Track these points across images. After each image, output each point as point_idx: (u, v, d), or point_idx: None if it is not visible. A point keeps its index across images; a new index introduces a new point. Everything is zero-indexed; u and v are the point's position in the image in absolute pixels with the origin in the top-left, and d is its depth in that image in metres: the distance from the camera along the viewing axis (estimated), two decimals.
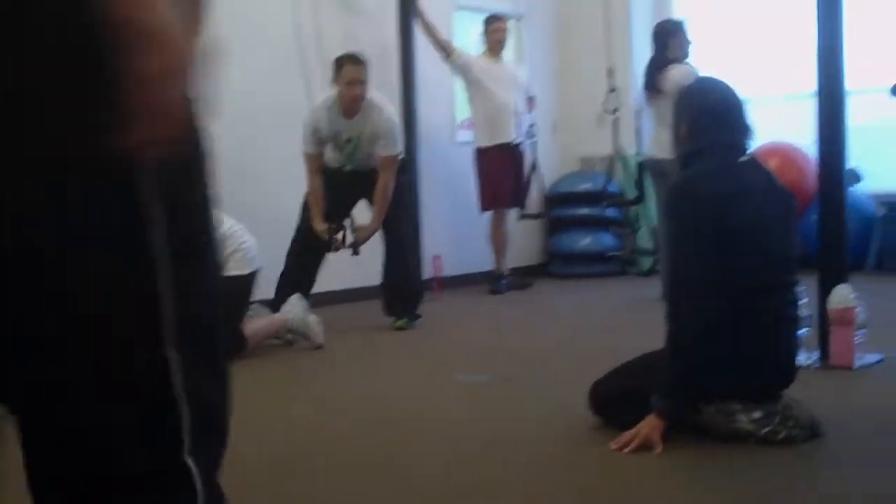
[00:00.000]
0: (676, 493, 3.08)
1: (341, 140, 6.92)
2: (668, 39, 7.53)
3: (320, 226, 6.87)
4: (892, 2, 9.13)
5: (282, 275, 6.97)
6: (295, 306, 6.36)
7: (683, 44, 7.43)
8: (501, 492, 3.16)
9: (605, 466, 3.41)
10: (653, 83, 7.46)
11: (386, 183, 6.98)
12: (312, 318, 6.35)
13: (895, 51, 8.22)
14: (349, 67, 6.75)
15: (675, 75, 7.11)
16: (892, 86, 7.83)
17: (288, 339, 6.38)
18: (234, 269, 5.80)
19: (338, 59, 6.86)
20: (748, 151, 3.73)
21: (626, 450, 3.48)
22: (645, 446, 3.46)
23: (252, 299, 6.18)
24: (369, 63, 6.81)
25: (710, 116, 3.71)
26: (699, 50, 10.51)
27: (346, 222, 7.03)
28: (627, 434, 3.51)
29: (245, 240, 5.90)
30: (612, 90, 6.93)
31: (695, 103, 3.78)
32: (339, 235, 6.94)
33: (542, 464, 3.48)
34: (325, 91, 7.03)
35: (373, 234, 7.07)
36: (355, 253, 7.04)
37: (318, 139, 6.89)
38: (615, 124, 6.92)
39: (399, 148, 7.05)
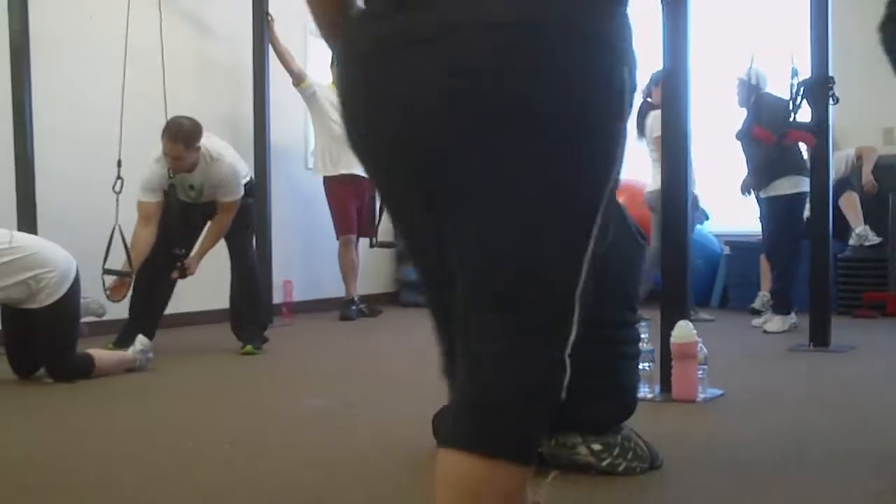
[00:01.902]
0: None
1: (185, 186, 6.91)
2: (653, 87, 8.14)
3: (138, 260, 6.78)
4: (735, 53, 9.36)
5: (131, 301, 6.92)
6: (143, 350, 6.33)
7: None
8: None
9: None
10: (640, 126, 8.58)
11: (224, 224, 7.05)
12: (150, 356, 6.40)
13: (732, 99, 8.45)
14: (165, 143, 6.68)
15: (651, 120, 8.27)
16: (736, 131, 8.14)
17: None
18: (47, 298, 5.77)
19: (165, 124, 6.73)
20: None
21: None
22: None
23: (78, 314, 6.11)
24: (194, 134, 6.69)
25: None
26: None
27: (185, 253, 7.01)
28: None
29: (45, 268, 5.79)
30: None
31: None
32: (177, 267, 6.94)
33: (379, 490, 3.48)
34: (182, 109, 6.98)
35: (198, 262, 7.07)
36: (181, 277, 7.03)
37: (157, 187, 6.84)
38: None
39: (240, 193, 7.03)
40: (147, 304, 6.97)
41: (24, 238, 5.92)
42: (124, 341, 6.66)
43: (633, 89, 1.88)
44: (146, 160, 6.81)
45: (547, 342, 1.96)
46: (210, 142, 6.85)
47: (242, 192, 7.03)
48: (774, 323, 8.09)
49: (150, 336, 6.59)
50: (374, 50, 1.87)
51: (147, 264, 6.83)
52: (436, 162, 1.85)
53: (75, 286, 5.92)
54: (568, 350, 1.98)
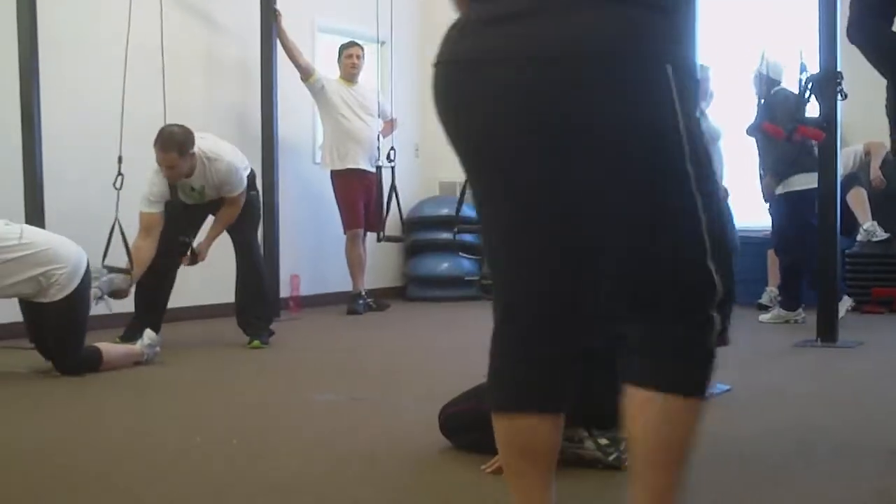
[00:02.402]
0: None
1: (187, 190, 6.93)
2: None
3: (139, 271, 6.78)
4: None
5: (136, 296, 6.96)
6: (150, 344, 6.34)
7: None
8: None
9: (448, 487, 3.43)
10: None
11: (231, 213, 7.06)
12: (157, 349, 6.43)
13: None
14: (158, 153, 6.66)
15: None
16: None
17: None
18: (58, 293, 5.78)
19: (158, 133, 6.71)
20: None
21: (487, 470, 3.51)
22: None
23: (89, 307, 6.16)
24: (186, 142, 6.66)
25: None
26: None
27: (192, 240, 7.03)
28: (499, 455, 3.54)
29: (56, 264, 5.82)
30: None
31: None
32: (186, 255, 6.95)
33: (386, 485, 3.49)
34: (190, 105, 6.99)
35: (208, 248, 7.14)
36: (192, 263, 7.08)
37: (160, 197, 6.84)
38: None
39: (243, 185, 7.02)
40: (152, 299, 6.97)
41: (35, 233, 5.94)
42: (131, 335, 6.68)
43: (694, 89, 2.20)
44: (148, 173, 6.82)
45: (699, 307, 2.25)
46: (205, 143, 6.85)
47: (246, 183, 7.04)
48: (770, 314, 8.17)
49: (155, 330, 6.60)
50: (481, 60, 2.20)
51: (157, 254, 6.83)
52: (559, 170, 2.16)
53: (85, 281, 5.94)
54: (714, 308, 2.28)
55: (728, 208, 5.63)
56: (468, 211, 8.11)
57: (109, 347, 6.17)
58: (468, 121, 2.25)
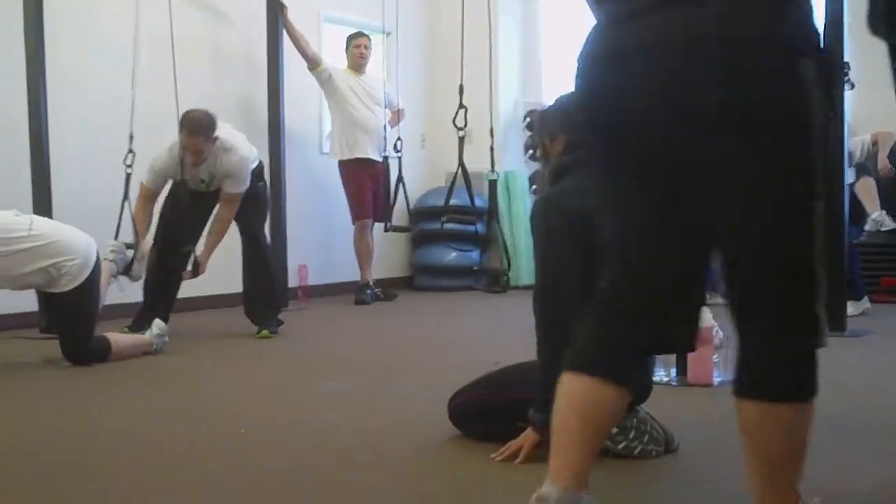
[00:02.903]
0: (525, 501, 3.12)
1: (197, 178, 6.92)
2: None
3: (146, 246, 6.83)
4: None
5: (146, 285, 6.97)
6: (159, 334, 6.36)
7: None
8: (352, 499, 3.17)
9: (458, 476, 3.44)
10: None
11: (225, 218, 7.04)
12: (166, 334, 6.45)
13: None
14: (185, 138, 6.68)
15: None
16: None
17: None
18: (68, 284, 5.80)
19: (182, 117, 6.74)
20: None
21: (497, 458, 3.51)
22: (514, 457, 3.50)
23: (99, 297, 6.18)
24: (211, 126, 6.70)
25: (567, 131, 3.72)
26: (566, 72, 10.68)
27: (194, 248, 7.00)
28: (508, 444, 3.54)
29: (66, 255, 5.83)
30: (461, 107, 6.97)
31: (573, 117, 3.76)
32: (189, 263, 6.93)
33: (395, 473, 3.50)
34: (196, 96, 6.99)
35: (208, 259, 7.04)
36: (194, 276, 7.03)
37: (165, 178, 6.88)
38: (461, 141, 6.98)
39: (245, 186, 6.99)
40: (161, 289, 6.98)
41: (45, 224, 5.94)
42: (139, 326, 6.69)
43: (830, 76, 2.35)
44: (157, 150, 6.85)
45: (812, 303, 2.34)
46: (223, 132, 6.86)
47: (248, 185, 7.01)
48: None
49: (164, 320, 6.61)
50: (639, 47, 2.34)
51: (160, 250, 6.85)
52: (696, 154, 2.31)
53: (95, 272, 5.95)
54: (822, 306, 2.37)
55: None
56: (478, 202, 8.18)
57: (118, 338, 6.18)
58: (609, 110, 2.41)
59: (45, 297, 6.16)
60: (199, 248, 7.01)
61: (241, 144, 6.97)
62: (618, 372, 2.51)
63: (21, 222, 5.77)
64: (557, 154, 3.74)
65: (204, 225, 7.13)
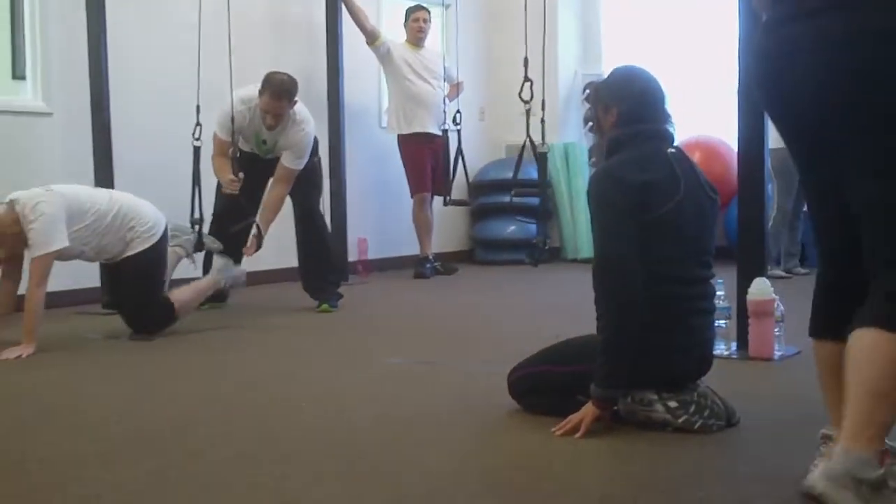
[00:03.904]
0: (587, 477, 3.11)
1: (259, 139, 6.93)
2: None
3: (228, 176, 6.76)
4: None
5: (205, 259, 7.01)
6: (220, 269, 6.43)
7: None
8: (411, 473, 3.17)
9: (518, 451, 3.43)
10: None
11: (280, 194, 7.01)
12: (239, 270, 6.60)
13: None
14: (267, 99, 6.70)
15: None
16: None
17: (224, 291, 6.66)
18: (138, 246, 5.89)
19: (265, 79, 6.75)
20: (674, 142, 3.74)
21: (558, 432, 3.51)
22: (575, 431, 3.50)
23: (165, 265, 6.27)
24: (294, 89, 6.73)
25: (639, 103, 3.70)
26: (625, 43, 10.62)
27: (255, 220, 6.95)
28: (569, 418, 3.54)
29: (140, 220, 5.93)
30: (526, 80, 6.93)
31: (625, 89, 3.75)
32: (254, 233, 6.90)
33: (455, 447, 3.50)
34: (256, 69, 6.99)
35: (262, 238, 6.96)
36: (257, 249, 6.99)
37: (235, 130, 6.82)
38: (528, 114, 6.95)
39: (302, 164, 6.97)
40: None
41: (120, 194, 6.10)
42: (221, 297, 6.91)
43: None
44: (229, 99, 6.81)
45: None
46: (297, 104, 6.88)
47: (305, 163, 7.01)
48: None
49: (224, 297, 6.68)
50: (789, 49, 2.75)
51: (218, 222, 6.90)
52: (823, 134, 2.74)
53: (163, 241, 6.04)
54: None
55: None
56: (531, 173, 8.14)
57: (177, 294, 6.21)
58: (777, 103, 2.85)
59: (110, 272, 6.22)
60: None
61: (312, 124, 6.99)
62: (833, 331, 2.84)
63: (100, 193, 5.99)
64: (610, 126, 3.73)
65: (261, 195, 7.12)
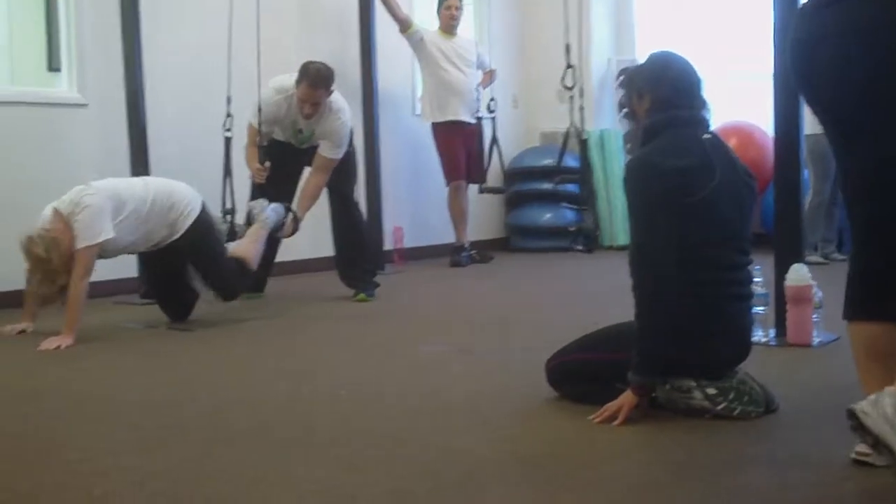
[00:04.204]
0: (625, 465, 3.11)
1: (295, 129, 6.92)
2: None
3: (255, 164, 6.77)
4: None
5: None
6: (264, 209, 6.56)
7: None
8: (449, 461, 3.18)
9: (555, 438, 3.43)
10: None
11: (318, 183, 7.00)
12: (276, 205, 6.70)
13: None
14: (304, 88, 6.67)
15: None
16: None
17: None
18: (184, 223, 5.95)
19: (302, 68, 6.73)
20: (710, 128, 3.73)
21: (596, 420, 3.51)
22: (613, 419, 3.49)
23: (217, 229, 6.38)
24: (331, 78, 6.72)
25: (673, 89, 3.69)
26: (659, 29, 10.57)
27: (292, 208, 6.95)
28: (607, 406, 3.53)
29: (177, 197, 5.99)
30: (569, 66, 6.94)
31: (659, 76, 3.73)
32: (290, 218, 6.91)
33: (492, 435, 3.50)
34: (288, 58, 6.99)
35: (298, 223, 6.96)
36: (293, 233, 7.02)
37: (271, 120, 6.84)
38: (572, 100, 6.95)
39: (341, 154, 6.97)
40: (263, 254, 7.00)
41: (153, 179, 6.20)
42: (258, 287, 6.92)
43: None
44: (266, 87, 6.83)
45: None
46: (334, 93, 6.88)
47: (343, 152, 7.01)
48: None
49: (261, 287, 6.71)
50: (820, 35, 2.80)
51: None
52: (852, 119, 2.78)
53: (206, 210, 6.11)
54: None
55: None
56: (570, 161, 8.13)
57: (243, 249, 6.37)
58: (809, 87, 2.89)
59: (147, 263, 6.26)
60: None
61: (349, 113, 6.99)
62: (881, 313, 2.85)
63: (134, 181, 6.09)
64: (645, 113, 3.71)
65: (296, 185, 7.13)
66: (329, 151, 6.92)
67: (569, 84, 6.79)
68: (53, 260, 5.43)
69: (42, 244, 5.43)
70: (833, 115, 2.85)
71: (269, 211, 6.56)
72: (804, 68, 2.86)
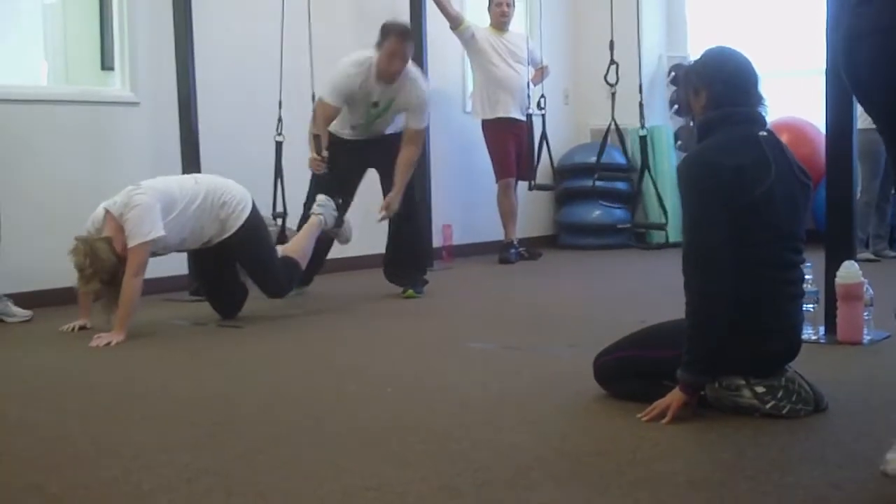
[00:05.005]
0: (673, 463, 3.10)
1: (369, 102, 6.81)
2: None
3: (315, 155, 6.72)
4: None
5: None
6: (324, 206, 6.56)
7: None
8: (497, 458, 3.18)
9: (603, 436, 3.42)
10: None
11: (412, 156, 6.96)
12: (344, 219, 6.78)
13: None
14: (394, 41, 6.63)
15: None
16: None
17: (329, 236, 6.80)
18: (236, 222, 5.98)
19: (385, 26, 6.73)
20: (766, 125, 3.70)
21: (644, 418, 3.50)
22: (661, 416, 3.49)
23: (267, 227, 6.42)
24: (414, 37, 6.71)
25: (730, 86, 3.67)
26: (711, 26, 10.53)
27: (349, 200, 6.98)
28: (655, 404, 3.53)
29: (229, 195, 6.01)
30: (612, 63, 6.94)
31: (716, 72, 3.70)
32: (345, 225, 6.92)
33: (540, 432, 3.50)
34: (335, 57, 7.00)
35: (398, 202, 6.92)
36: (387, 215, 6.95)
37: (346, 95, 6.72)
38: (614, 97, 6.95)
39: (427, 122, 6.99)
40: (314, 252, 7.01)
41: (204, 176, 6.22)
42: (307, 281, 6.99)
43: None
44: (340, 63, 6.76)
45: None
46: (409, 65, 6.84)
47: (427, 120, 6.98)
48: None
49: (308, 281, 6.75)
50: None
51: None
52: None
53: (256, 209, 6.14)
54: None
55: None
56: (616, 157, 8.12)
57: (294, 248, 6.41)
58: (851, 82, 2.85)
59: (197, 261, 6.31)
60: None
61: (424, 77, 7.00)
62: None
63: (185, 179, 6.13)
64: (701, 109, 3.70)
65: (356, 188, 7.13)
66: (415, 122, 6.91)
67: (611, 80, 6.78)
68: (103, 259, 5.48)
69: (91, 245, 5.49)
70: (871, 111, 2.87)
71: (325, 209, 6.58)
72: (845, 63, 2.85)
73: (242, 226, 5.97)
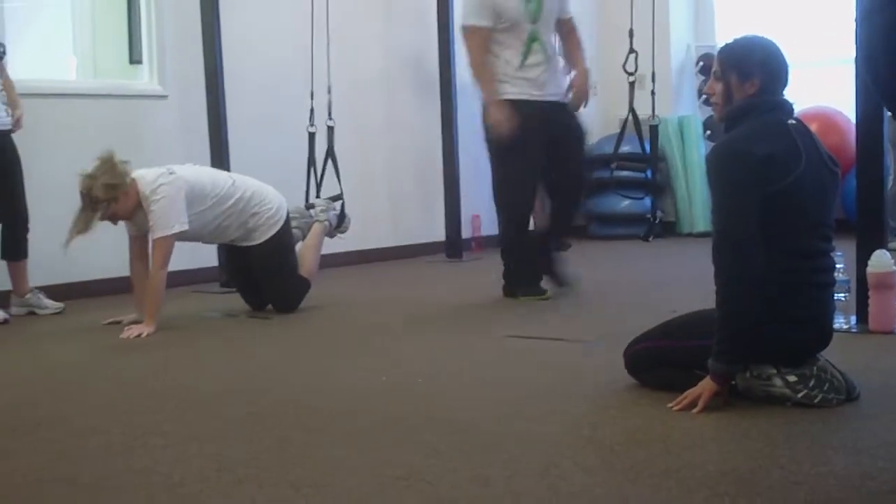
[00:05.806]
0: (704, 452, 3.09)
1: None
2: None
3: (491, 94, 6.28)
4: None
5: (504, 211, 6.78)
6: (325, 210, 6.60)
7: None
8: (528, 448, 3.18)
9: (634, 426, 3.42)
10: None
11: (579, 40, 6.58)
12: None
13: None
14: None
15: None
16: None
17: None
18: (264, 234, 5.98)
19: None
20: (794, 112, 3.68)
21: (675, 408, 3.50)
22: (692, 406, 3.48)
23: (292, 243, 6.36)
24: None
25: (778, 74, 3.65)
26: (739, 15, 10.48)
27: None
28: (686, 393, 3.52)
29: (265, 206, 6.01)
30: (632, 52, 6.91)
31: (767, 59, 3.64)
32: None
33: (571, 422, 3.49)
34: (363, 51, 7.00)
35: (587, 84, 6.51)
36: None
37: (487, 7, 6.17)
38: (633, 86, 6.94)
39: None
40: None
41: (243, 180, 6.15)
42: None
43: None
44: None
45: None
46: None
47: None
48: None
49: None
50: None
51: (510, 222, 6.79)
52: None
53: (287, 224, 6.12)
54: None
55: None
56: (632, 146, 8.10)
57: (302, 261, 6.35)
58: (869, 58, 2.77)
59: (235, 255, 6.31)
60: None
61: None
62: None
63: (222, 176, 6.08)
64: (746, 95, 3.64)
65: (542, 159, 6.56)
66: (566, 11, 6.51)
67: (630, 69, 6.74)
68: (98, 191, 5.53)
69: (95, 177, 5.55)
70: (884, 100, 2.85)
71: (328, 213, 6.57)
72: (863, 49, 2.80)
73: (269, 240, 5.99)
